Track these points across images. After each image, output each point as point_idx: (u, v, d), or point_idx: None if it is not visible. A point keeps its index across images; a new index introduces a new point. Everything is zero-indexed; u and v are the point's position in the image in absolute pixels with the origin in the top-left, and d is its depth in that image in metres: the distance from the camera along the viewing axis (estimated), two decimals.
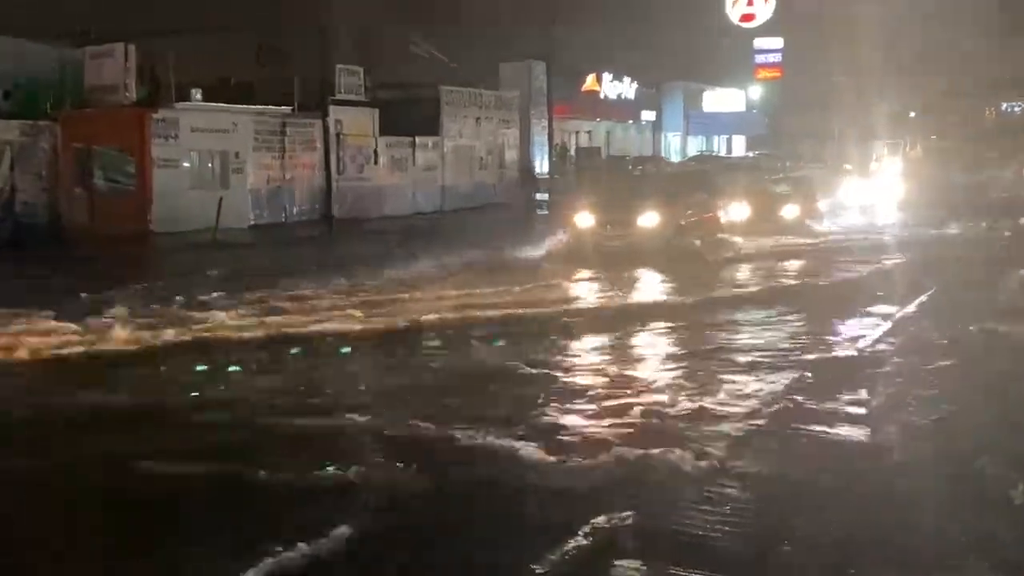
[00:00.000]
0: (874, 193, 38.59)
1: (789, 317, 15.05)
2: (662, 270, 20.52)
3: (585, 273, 20.56)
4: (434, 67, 40.69)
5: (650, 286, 19.54)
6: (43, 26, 31.61)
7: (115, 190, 28.24)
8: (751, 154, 57.23)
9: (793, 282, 19.40)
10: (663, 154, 59.86)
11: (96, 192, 28.28)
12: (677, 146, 63.82)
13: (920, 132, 65.20)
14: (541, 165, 45.50)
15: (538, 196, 35.56)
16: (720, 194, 27.97)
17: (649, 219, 22.58)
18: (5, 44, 29.02)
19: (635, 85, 56.48)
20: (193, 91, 30.18)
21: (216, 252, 23.83)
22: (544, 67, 42.19)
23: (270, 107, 32.69)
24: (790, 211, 30.37)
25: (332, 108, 33.45)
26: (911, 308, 15.26)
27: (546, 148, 44.00)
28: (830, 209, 34.67)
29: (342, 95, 34.69)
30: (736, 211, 29.33)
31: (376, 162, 35.95)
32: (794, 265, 22.09)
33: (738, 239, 24.73)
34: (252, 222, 30.89)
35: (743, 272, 21.22)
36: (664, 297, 17.94)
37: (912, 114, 72.62)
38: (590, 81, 52.56)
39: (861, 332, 13.34)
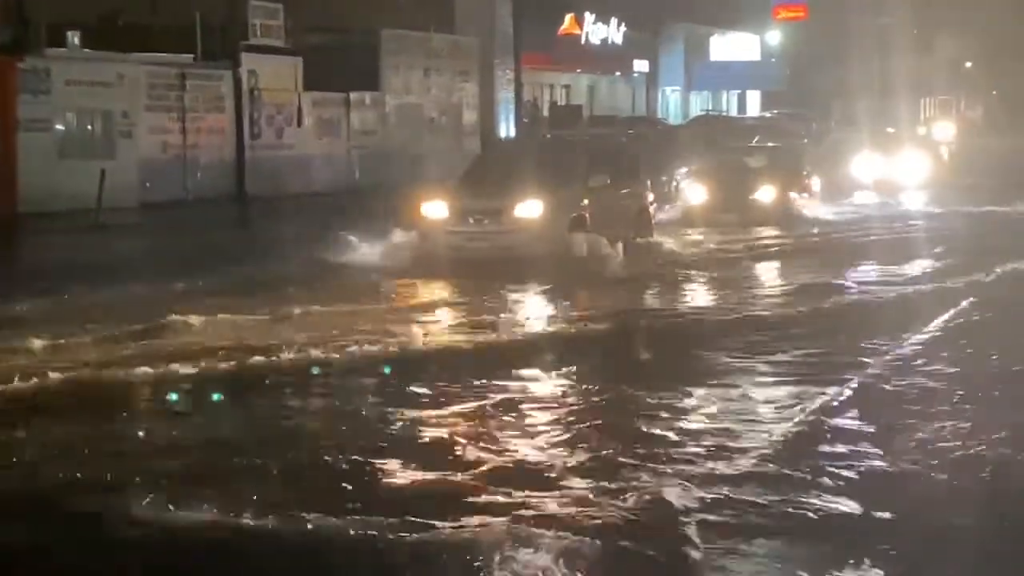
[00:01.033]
0: (909, 165, 38.20)
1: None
2: (518, 293, 18.18)
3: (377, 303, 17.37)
4: (372, 5, 40.66)
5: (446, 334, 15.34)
6: None
7: None
8: (768, 114, 57.67)
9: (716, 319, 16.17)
10: (660, 114, 60.24)
11: None
12: (677, 103, 64.20)
13: (977, 86, 65.80)
14: (507, 128, 45.70)
15: None
16: (654, 169, 27.84)
17: (529, 208, 20.37)
18: None
19: (624, 28, 56.78)
20: (70, 34, 30.23)
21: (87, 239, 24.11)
22: (510, 5, 42.38)
23: (166, 55, 32.75)
24: (766, 193, 29.03)
25: (244, 56, 33.59)
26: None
27: (513, 107, 44.22)
28: (839, 187, 34.56)
29: (257, 40, 34.77)
30: (691, 193, 29.18)
31: (300, 124, 36.16)
32: (736, 283, 19.72)
33: (668, 240, 23.99)
34: (143, 200, 30.77)
35: (649, 300, 18.83)
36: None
37: (968, 64, 72.94)
38: (568, 22, 52.82)
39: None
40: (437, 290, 18.88)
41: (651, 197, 24.67)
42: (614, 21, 55.68)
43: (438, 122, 41.85)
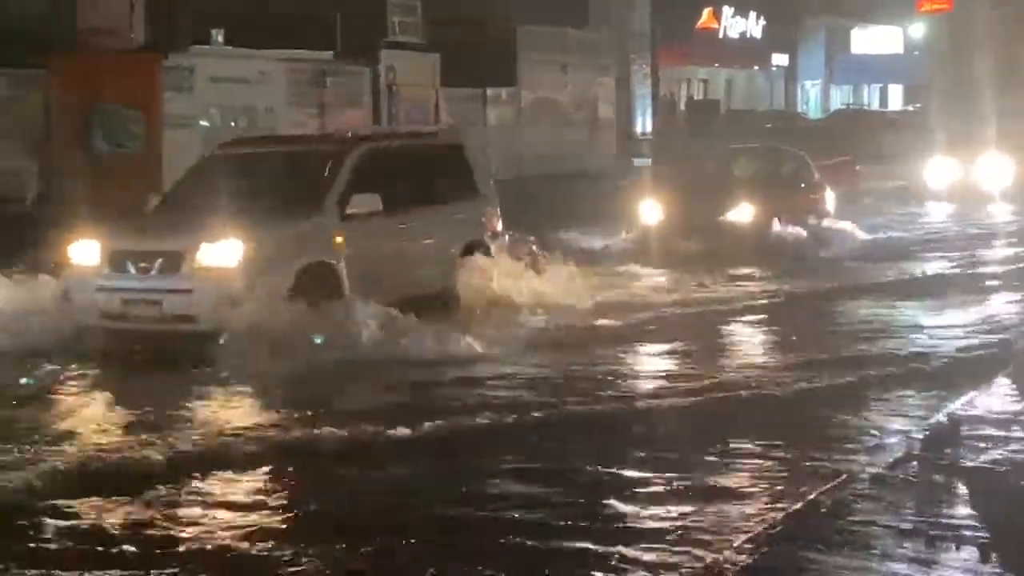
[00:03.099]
0: (991, 170, 33.42)
1: None
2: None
3: None
4: (507, 1, 41.09)
5: None
6: None
7: (119, 154, 29.05)
8: (911, 108, 57.36)
9: None
10: (800, 108, 60.10)
11: (99, 158, 29.08)
12: (817, 98, 63.97)
13: None
14: (643, 124, 45.99)
15: (637, 162, 36.05)
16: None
17: (221, 253, 13.47)
18: None
19: (763, 21, 56.78)
20: (214, 32, 30.97)
21: None
22: (648, 3, 42.71)
23: (306, 51, 33.28)
24: (742, 212, 22.66)
25: (383, 53, 34.22)
26: None
27: (649, 102, 44.53)
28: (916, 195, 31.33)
29: (395, 36, 35.35)
30: (645, 211, 23.18)
31: (437, 119, 36.14)
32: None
33: (519, 319, 15.42)
34: None
35: None
36: None
37: None
38: (706, 16, 53.00)
39: None
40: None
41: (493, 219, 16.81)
42: (752, 14, 55.77)
43: (574, 118, 41.97)
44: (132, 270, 13.37)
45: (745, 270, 21.04)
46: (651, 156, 36.67)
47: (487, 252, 16.20)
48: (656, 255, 21.43)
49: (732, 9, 54.30)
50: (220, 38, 31.08)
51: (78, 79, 28.79)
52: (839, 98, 64.50)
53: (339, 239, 14.04)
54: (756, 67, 58.75)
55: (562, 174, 38.65)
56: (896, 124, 42.79)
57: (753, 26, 56.26)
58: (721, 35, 54.17)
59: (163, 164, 28.76)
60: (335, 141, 16.23)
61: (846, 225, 24.44)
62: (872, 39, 64.38)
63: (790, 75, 61.81)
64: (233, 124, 30.85)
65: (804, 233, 22.84)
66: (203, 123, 30.09)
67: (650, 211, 22.95)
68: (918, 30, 64.06)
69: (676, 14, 47.03)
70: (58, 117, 28.74)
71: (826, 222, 24.19)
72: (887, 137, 36.88)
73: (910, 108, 56.91)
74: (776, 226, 22.54)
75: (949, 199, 32.73)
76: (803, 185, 24.85)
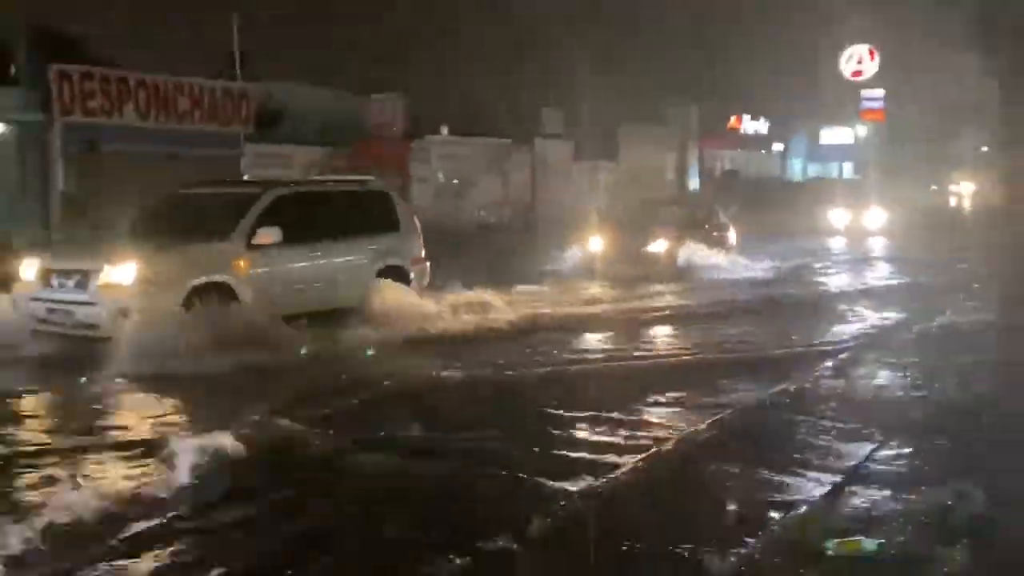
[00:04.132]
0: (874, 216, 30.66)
1: None
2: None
3: None
4: (614, 112, 41.42)
5: None
6: (339, 79, 33.87)
7: None
8: (857, 176, 56.46)
9: None
10: (788, 175, 59.48)
11: None
12: (800, 169, 63.23)
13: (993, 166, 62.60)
14: (693, 183, 46.06)
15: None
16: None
17: (122, 272, 10.65)
18: (314, 92, 31.27)
19: (768, 123, 56.36)
20: (442, 127, 31.81)
21: None
22: (697, 109, 42.82)
23: (493, 139, 33.87)
24: (659, 245, 18.91)
25: (537, 141, 34.82)
26: None
27: (697, 170, 44.64)
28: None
29: (544, 131, 35.84)
30: (591, 240, 19.16)
31: (570, 181, 36.66)
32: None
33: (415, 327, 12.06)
34: (479, 222, 32.11)
35: None
36: None
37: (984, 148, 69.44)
38: (733, 120, 52.79)
39: None
40: None
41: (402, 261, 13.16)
42: (762, 119, 55.39)
43: (651, 179, 41.93)
44: (56, 284, 10.89)
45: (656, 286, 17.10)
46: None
47: (404, 276, 13.05)
48: (596, 276, 17.96)
49: (749, 116, 54.02)
50: (445, 131, 31.90)
51: (365, 153, 29.83)
52: (813, 170, 63.52)
53: (242, 263, 11.15)
54: (763, 151, 58.21)
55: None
56: (844, 185, 41.93)
57: (761, 126, 55.82)
58: (742, 131, 53.88)
59: (410, 203, 29.77)
60: (258, 186, 12.81)
61: (739, 258, 20.30)
62: (833, 134, 63.23)
63: (784, 155, 61.20)
64: (455, 181, 31.64)
65: (706, 262, 19.13)
66: (433, 182, 30.88)
67: (593, 241, 19.35)
68: (862, 129, 63.01)
69: (714, 118, 47.06)
70: (357, 174, 29.79)
71: (727, 254, 20.12)
72: (837, 193, 36.15)
73: (857, 176, 55.84)
74: (682, 255, 18.92)
75: (844, 234, 30.18)
76: (708, 226, 20.60)
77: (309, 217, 12.11)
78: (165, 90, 23.56)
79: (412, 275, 13.25)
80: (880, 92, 50.01)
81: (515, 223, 32.74)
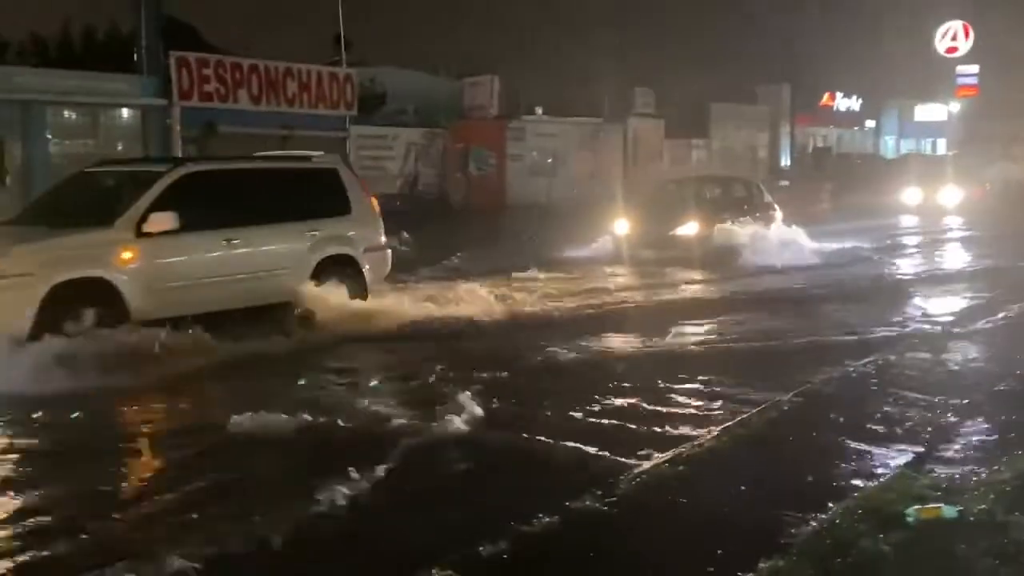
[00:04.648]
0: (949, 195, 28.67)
1: None
2: None
3: None
4: (704, 93, 41.22)
5: None
6: (437, 62, 34.59)
7: (482, 176, 30.52)
8: (950, 153, 55.28)
9: None
10: (880, 152, 58.49)
11: (471, 177, 30.50)
12: (892, 146, 62.09)
13: None
14: (784, 161, 45.70)
15: (781, 183, 35.97)
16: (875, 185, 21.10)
17: None
18: (414, 75, 31.99)
19: (860, 100, 55.47)
20: (537, 108, 32.19)
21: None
22: (789, 89, 42.48)
23: (587, 118, 34.04)
24: (689, 227, 16.82)
25: (630, 120, 34.92)
26: None
27: (788, 149, 44.30)
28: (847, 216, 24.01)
29: (637, 109, 35.90)
30: (617, 223, 17.09)
31: (661, 159, 36.63)
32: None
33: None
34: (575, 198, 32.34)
35: None
36: None
37: None
38: (826, 98, 52.00)
39: None
40: None
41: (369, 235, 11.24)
42: (854, 96, 54.52)
43: (742, 157, 41.61)
44: None
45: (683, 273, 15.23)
46: (788, 180, 36.47)
47: (353, 266, 10.90)
48: (621, 260, 16.35)
49: (841, 93, 53.20)
50: (540, 111, 32.24)
51: (462, 133, 30.51)
52: (905, 147, 62.26)
53: (127, 254, 9.11)
54: (855, 128, 57.32)
55: None
56: (935, 162, 40.65)
57: (854, 103, 54.91)
58: (835, 109, 53.10)
59: (506, 181, 30.39)
60: (168, 163, 10.43)
61: (784, 240, 17.49)
62: (927, 110, 61.86)
63: (876, 132, 60.14)
64: (548, 160, 31.99)
65: (743, 246, 16.62)
66: (528, 159, 31.20)
67: (619, 223, 17.38)
68: (955, 106, 61.50)
69: (806, 95, 46.53)
70: (449, 154, 30.47)
71: (773, 235, 17.43)
72: (931, 170, 34.56)
73: (949, 153, 54.61)
74: (716, 239, 16.69)
75: (916, 212, 28.57)
76: (747, 206, 18.21)
77: (228, 199, 10.01)
78: (276, 75, 24.58)
79: (366, 266, 11.05)
80: (975, 68, 48.98)
81: (603, 201, 32.85)
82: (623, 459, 5.93)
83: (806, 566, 4.33)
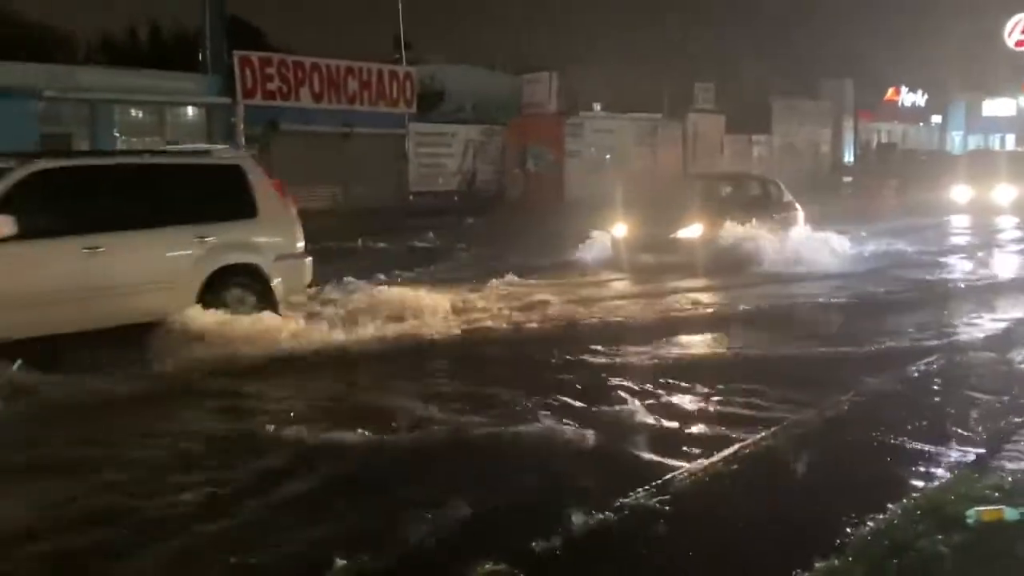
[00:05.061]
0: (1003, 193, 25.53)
1: None
2: None
3: None
4: (764, 86, 40.72)
5: None
6: (495, 59, 34.57)
7: (540, 172, 30.45)
8: (1020, 148, 53.90)
9: None
10: (947, 149, 57.29)
11: (528, 174, 30.49)
12: (959, 142, 60.76)
13: None
14: (848, 157, 44.94)
15: (844, 180, 35.45)
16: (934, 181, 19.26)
17: None
18: (472, 73, 32.01)
19: (926, 95, 54.35)
20: (595, 104, 32.05)
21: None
22: (851, 83, 41.75)
23: (646, 114, 33.86)
24: (692, 230, 14.43)
25: (690, 115, 34.60)
26: None
27: (852, 144, 43.53)
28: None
29: (697, 105, 35.58)
30: (615, 226, 14.92)
31: (722, 154, 36.24)
32: None
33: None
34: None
35: None
36: None
37: None
38: (890, 92, 51.05)
39: None
40: None
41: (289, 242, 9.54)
42: (919, 91, 53.42)
43: (805, 153, 41.16)
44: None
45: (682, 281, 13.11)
46: (851, 177, 35.92)
47: (258, 277, 9.23)
48: (618, 265, 14.41)
49: (906, 88, 52.16)
50: (598, 107, 32.11)
51: (520, 130, 30.50)
52: (972, 142, 60.87)
53: None
54: (920, 123, 56.15)
55: (798, 182, 37.87)
56: (1007, 158, 39.41)
57: (919, 98, 53.73)
58: (899, 104, 52.10)
59: (564, 178, 30.29)
60: (20, 159, 8.44)
61: (822, 239, 15.66)
62: (995, 105, 60.41)
63: (942, 128, 58.87)
64: (607, 156, 31.87)
65: (754, 250, 14.46)
66: (586, 155, 31.05)
67: (617, 226, 14.99)
68: None
69: (869, 90, 45.69)
70: (509, 150, 30.49)
71: (800, 237, 15.58)
72: (999, 166, 32.96)
73: (1019, 149, 53.25)
74: (723, 243, 14.43)
75: (967, 210, 25.18)
76: (766, 207, 15.97)
77: (93, 200, 8.43)
78: (337, 73, 24.78)
79: (276, 277, 9.31)
80: None
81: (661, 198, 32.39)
82: (671, 461, 5.78)
83: (862, 567, 4.25)
